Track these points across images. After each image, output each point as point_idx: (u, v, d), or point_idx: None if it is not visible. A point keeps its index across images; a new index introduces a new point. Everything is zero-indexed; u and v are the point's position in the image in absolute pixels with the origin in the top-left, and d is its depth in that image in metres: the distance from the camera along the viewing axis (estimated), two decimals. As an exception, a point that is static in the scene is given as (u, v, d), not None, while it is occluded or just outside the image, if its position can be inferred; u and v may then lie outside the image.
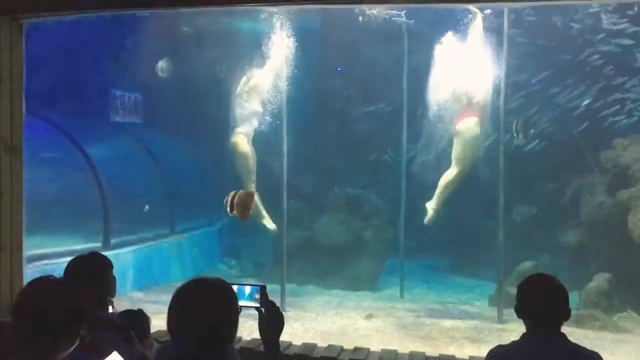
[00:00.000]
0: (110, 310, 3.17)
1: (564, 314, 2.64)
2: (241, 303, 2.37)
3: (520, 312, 2.70)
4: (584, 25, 10.22)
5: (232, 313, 2.24)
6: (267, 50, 8.44)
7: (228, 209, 6.37)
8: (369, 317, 7.15)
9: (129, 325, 2.97)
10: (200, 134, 11.21)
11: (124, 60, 10.28)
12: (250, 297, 2.45)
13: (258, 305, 2.44)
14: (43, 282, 2.32)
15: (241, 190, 6.44)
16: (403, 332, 6.69)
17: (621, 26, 9.92)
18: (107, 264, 3.27)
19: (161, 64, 10.27)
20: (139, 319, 3.16)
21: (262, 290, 2.46)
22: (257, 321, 2.42)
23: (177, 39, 10.76)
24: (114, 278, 3.29)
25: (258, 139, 9.15)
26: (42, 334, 2.19)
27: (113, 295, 3.25)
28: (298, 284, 9.47)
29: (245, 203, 6.28)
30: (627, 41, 9.86)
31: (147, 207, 9.12)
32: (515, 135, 8.29)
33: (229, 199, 6.37)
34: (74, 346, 2.25)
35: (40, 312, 2.20)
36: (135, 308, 3.32)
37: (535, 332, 2.63)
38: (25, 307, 2.24)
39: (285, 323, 2.46)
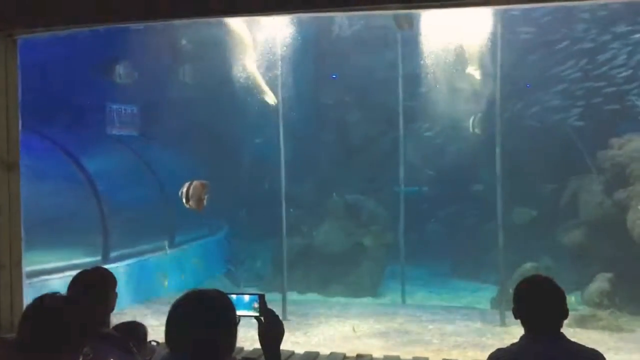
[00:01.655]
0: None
1: (562, 314, 2.64)
2: (240, 313, 2.36)
3: (518, 314, 2.70)
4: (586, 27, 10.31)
5: (230, 324, 2.23)
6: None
7: (184, 200, 6.38)
8: (355, 329, 7.02)
9: (127, 337, 2.97)
10: (197, 144, 11.22)
11: (116, 73, 10.08)
12: (249, 307, 2.44)
13: (257, 314, 2.43)
14: (49, 300, 2.31)
15: (195, 181, 6.43)
16: (406, 337, 6.67)
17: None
18: (111, 280, 3.25)
19: (118, 69, 9.86)
20: (135, 329, 3.15)
21: (261, 299, 2.45)
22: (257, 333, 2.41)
23: (172, 50, 10.77)
24: (116, 294, 3.28)
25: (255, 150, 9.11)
26: (45, 352, 2.18)
27: (112, 310, 3.24)
28: (299, 292, 9.45)
29: (200, 194, 6.31)
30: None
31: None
32: (472, 129, 8.37)
33: (184, 190, 6.38)
34: None
35: (45, 330, 2.19)
36: (136, 321, 3.32)
37: (533, 333, 2.63)
38: (30, 325, 2.23)
39: (286, 332, 2.45)
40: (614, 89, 10.10)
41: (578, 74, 10.33)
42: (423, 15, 7.29)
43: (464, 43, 7.84)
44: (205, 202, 6.34)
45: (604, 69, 10.22)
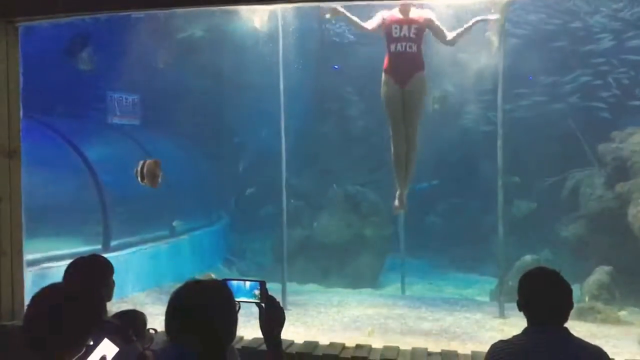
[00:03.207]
0: None
1: (566, 308, 2.60)
2: (241, 299, 2.37)
3: (522, 307, 2.67)
4: (586, 16, 10.30)
5: (230, 313, 2.23)
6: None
7: (139, 179, 6.50)
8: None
9: (126, 325, 2.97)
10: (198, 134, 11.22)
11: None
12: (250, 293, 2.44)
13: (258, 301, 2.43)
14: (55, 290, 2.31)
15: (148, 160, 6.55)
16: (405, 328, 6.69)
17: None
18: (108, 268, 3.25)
19: (80, 55, 9.57)
20: (134, 318, 3.16)
21: (262, 285, 2.45)
22: (258, 320, 2.42)
23: (173, 39, 10.75)
24: (114, 282, 3.27)
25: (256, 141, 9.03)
26: (52, 341, 2.18)
27: (109, 299, 3.24)
28: (299, 283, 9.47)
29: (154, 171, 6.42)
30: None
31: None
32: (432, 105, 8.27)
33: (138, 169, 6.49)
34: (81, 353, 2.25)
35: (53, 320, 2.19)
36: (134, 309, 3.32)
37: (536, 326, 2.60)
38: (37, 315, 2.23)
39: (286, 321, 2.45)
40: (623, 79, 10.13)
41: (587, 64, 10.35)
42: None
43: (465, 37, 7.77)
44: (159, 179, 6.48)
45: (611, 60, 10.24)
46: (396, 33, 6.59)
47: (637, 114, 9.87)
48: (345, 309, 7.71)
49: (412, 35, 6.55)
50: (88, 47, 9.63)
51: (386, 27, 6.69)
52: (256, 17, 7.99)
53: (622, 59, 10.27)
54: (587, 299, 7.47)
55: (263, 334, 2.41)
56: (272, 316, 2.39)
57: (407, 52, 6.58)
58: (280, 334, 2.41)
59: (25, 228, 5.11)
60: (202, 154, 11.69)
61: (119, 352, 2.61)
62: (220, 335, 2.19)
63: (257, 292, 2.43)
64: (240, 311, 2.32)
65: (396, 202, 7.14)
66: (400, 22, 6.61)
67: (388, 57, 6.72)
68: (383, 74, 6.78)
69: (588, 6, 10.22)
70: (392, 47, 6.63)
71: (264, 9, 7.06)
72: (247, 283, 2.45)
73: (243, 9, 7.14)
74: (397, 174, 6.92)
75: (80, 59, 9.67)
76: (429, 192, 11.45)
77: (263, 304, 2.42)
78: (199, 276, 6.01)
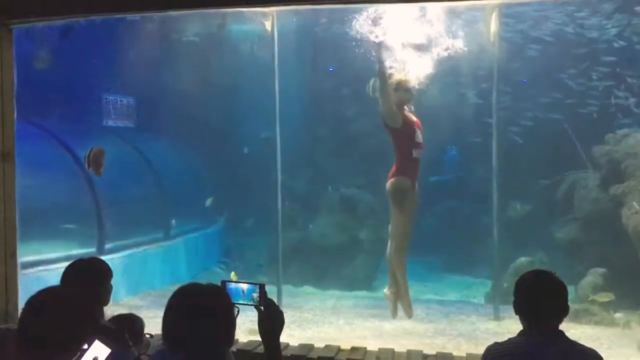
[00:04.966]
0: None
1: (562, 311, 2.60)
2: (240, 302, 2.36)
3: (517, 309, 2.67)
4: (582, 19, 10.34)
5: (228, 316, 2.23)
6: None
7: (86, 165, 6.64)
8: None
9: (122, 329, 2.96)
10: (192, 137, 11.21)
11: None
12: (249, 296, 2.43)
13: (256, 304, 2.42)
14: (52, 292, 2.30)
15: (94, 148, 6.66)
16: (400, 330, 6.69)
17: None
18: (106, 272, 3.23)
19: (39, 54, 9.29)
20: (131, 322, 3.14)
21: (261, 288, 2.44)
22: (253, 324, 2.41)
23: (168, 41, 10.73)
24: (111, 287, 3.25)
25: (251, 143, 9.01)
26: (47, 344, 2.17)
27: (106, 303, 3.22)
28: (294, 285, 9.46)
29: (98, 160, 6.53)
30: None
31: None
32: (371, 93, 8.13)
33: (86, 155, 6.60)
34: (75, 357, 2.24)
35: (49, 323, 2.18)
36: (131, 313, 3.31)
37: (532, 329, 2.59)
38: (33, 317, 2.22)
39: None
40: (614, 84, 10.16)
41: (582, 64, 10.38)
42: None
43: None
44: (102, 169, 6.62)
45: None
46: (418, 139, 6.31)
47: (630, 116, 9.90)
48: (340, 311, 7.71)
49: None
50: (44, 45, 9.49)
51: (408, 128, 6.30)
52: (251, 19, 8.00)
53: (624, 63, 10.28)
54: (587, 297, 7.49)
55: (261, 337, 2.40)
56: (272, 319, 2.38)
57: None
58: (279, 337, 2.40)
59: (20, 231, 5.09)
60: (196, 156, 11.67)
61: (115, 357, 2.60)
62: (218, 339, 2.19)
63: (255, 295, 2.42)
64: (238, 312, 2.31)
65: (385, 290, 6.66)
66: (420, 127, 6.36)
67: (405, 160, 6.31)
68: (397, 176, 6.35)
69: (587, 11, 10.25)
70: (414, 152, 6.30)
71: (258, 11, 7.06)
72: (246, 286, 2.44)
73: (238, 11, 7.15)
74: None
75: (37, 58, 9.43)
76: (426, 193, 11.43)
77: (262, 307, 2.41)
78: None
